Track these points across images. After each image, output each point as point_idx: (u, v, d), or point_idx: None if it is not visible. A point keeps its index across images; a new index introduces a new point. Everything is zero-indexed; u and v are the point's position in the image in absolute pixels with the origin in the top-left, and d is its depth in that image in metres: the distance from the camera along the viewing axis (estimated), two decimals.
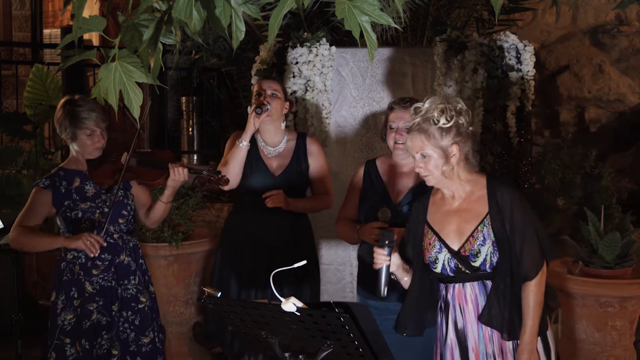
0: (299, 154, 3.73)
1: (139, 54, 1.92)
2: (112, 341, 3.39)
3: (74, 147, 3.41)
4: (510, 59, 4.37)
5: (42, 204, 3.38)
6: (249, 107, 3.65)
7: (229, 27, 1.89)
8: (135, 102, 1.96)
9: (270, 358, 2.54)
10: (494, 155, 4.28)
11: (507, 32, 4.55)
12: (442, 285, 2.78)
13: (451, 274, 2.72)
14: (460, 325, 2.74)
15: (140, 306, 3.46)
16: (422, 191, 3.27)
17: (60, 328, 3.36)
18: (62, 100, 3.41)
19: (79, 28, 1.91)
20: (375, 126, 4.52)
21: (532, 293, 2.67)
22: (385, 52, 4.57)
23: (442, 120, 2.62)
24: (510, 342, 2.72)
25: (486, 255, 2.66)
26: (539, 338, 2.73)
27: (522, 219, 2.67)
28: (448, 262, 2.71)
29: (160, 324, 3.59)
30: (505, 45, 4.42)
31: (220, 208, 5.47)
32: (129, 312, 3.43)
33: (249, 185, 3.68)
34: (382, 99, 4.54)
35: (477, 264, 2.67)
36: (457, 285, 2.73)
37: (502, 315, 2.68)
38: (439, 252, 2.72)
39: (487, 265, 2.67)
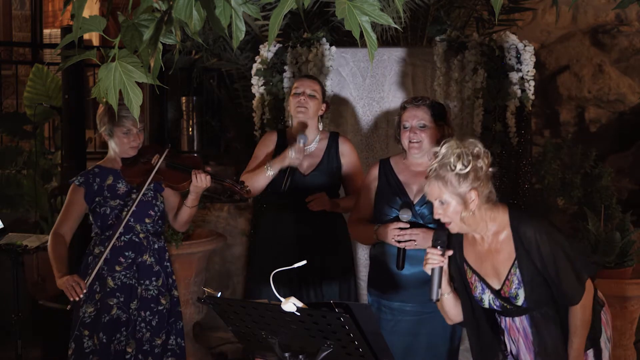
0: (331, 153, 3.69)
1: (139, 54, 1.92)
2: (128, 339, 3.44)
3: (111, 146, 3.53)
4: (510, 59, 4.37)
5: (77, 203, 3.49)
6: (288, 120, 3.67)
7: (229, 27, 1.89)
8: (135, 102, 1.97)
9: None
10: (494, 155, 4.28)
11: (507, 32, 4.55)
12: (496, 314, 2.78)
13: (499, 309, 2.71)
14: (514, 351, 2.74)
15: (159, 308, 3.51)
16: None
17: (80, 320, 3.43)
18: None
19: (79, 28, 1.91)
20: (375, 126, 4.52)
21: (578, 315, 2.63)
22: (385, 52, 4.58)
23: (459, 166, 2.55)
24: None
25: (525, 296, 2.63)
26: (592, 348, 2.71)
27: (550, 250, 2.60)
28: (493, 301, 2.70)
29: (180, 329, 3.61)
30: (505, 45, 4.42)
31: (220, 208, 5.47)
32: (147, 313, 3.48)
33: (278, 186, 3.64)
34: (382, 99, 4.54)
35: (519, 302, 2.65)
36: (507, 318, 2.72)
37: (555, 343, 2.65)
38: (482, 293, 2.71)
39: (530, 303, 2.64)
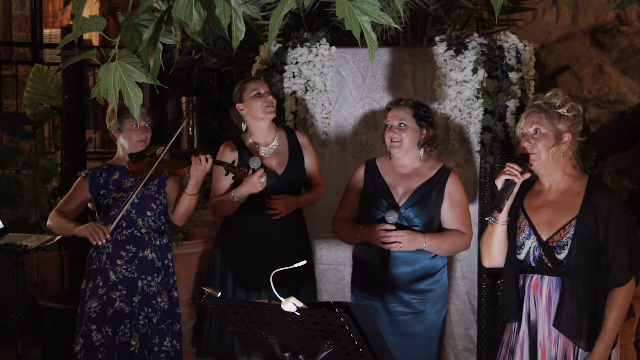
0: (294, 148, 3.74)
1: (139, 54, 1.92)
2: (132, 331, 3.48)
3: (120, 142, 3.63)
4: (510, 59, 4.37)
5: (80, 190, 3.62)
6: (241, 125, 3.72)
7: (229, 27, 1.89)
8: (135, 102, 1.97)
9: (270, 358, 2.54)
10: (494, 155, 4.28)
11: (507, 32, 4.54)
12: (520, 276, 2.78)
13: (533, 264, 2.72)
14: (532, 317, 2.72)
15: (157, 305, 3.55)
16: (428, 191, 3.26)
17: (87, 315, 3.48)
18: None
19: (79, 28, 1.91)
20: (375, 126, 4.52)
21: (619, 301, 2.62)
22: (385, 52, 4.57)
23: (563, 109, 2.70)
24: (575, 350, 2.64)
25: (573, 249, 2.63)
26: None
27: (620, 223, 2.65)
28: (533, 250, 2.71)
29: (177, 331, 3.61)
30: (505, 45, 4.41)
31: None
32: (149, 309, 3.52)
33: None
34: (382, 99, 4.54)
35: (561, 256, 2.65)
36: (535, 276, 2.72)
37: (580, 322, 2.62)
38: (526, 238, 2.73)
39: (571, 261, 2.63)
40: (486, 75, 4.33)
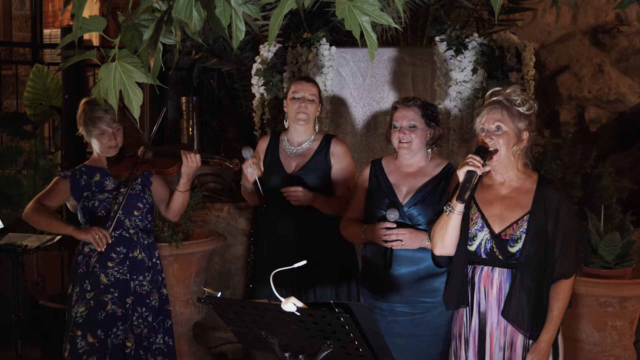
0: (320, 154, 3.68)
1: (139, 54, 1.92)
2: (126, 333, 3.47)
3: (93, 147, 3.57)
4: (510, 59, 4.37)
5: (60, 189, 3.53)
6: (284, 122, 3.71)
7: (229, 27, 1.89)
8: (135, 102, 1.97)
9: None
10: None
11: (507, 32, 4.55)
12: (469, 267, 2.83)
13: (483, 255, 2.77)
14: (482, 308, 2.79)
15: (152, 304, 3.54)
16: (431, 191, 3.25)
17: (73, 320, 3.45)
18: (83, 100, 3.57)
19: (79, 28, 1.91)
20: (375, 126, 4.52)
21: (565, 292, 2.73)
22: (385, 52, 4.58)
23: (523, 107, 2.74)
24: (522, 339, 2.75)
25: (523, 244, 2.71)
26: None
27: (568, 219, 2.75)
28: (485, 242, 2.77)
29: (169, 327, 3.62)
30: (505, 45, 4.42)
31: (220, 208, 5.47)
32: (143, 309, 3.51)
33: (267, 185, 3.67)
34: (382, 99, 4.54)
35: (514, 249, 2.72)
36: (485, 267, 2.78)
37: (526, 312, 2.72)
38: (479, 230, 2.78)
39: (523, 255, 2.71)
40: (486, 75, 4.34)
